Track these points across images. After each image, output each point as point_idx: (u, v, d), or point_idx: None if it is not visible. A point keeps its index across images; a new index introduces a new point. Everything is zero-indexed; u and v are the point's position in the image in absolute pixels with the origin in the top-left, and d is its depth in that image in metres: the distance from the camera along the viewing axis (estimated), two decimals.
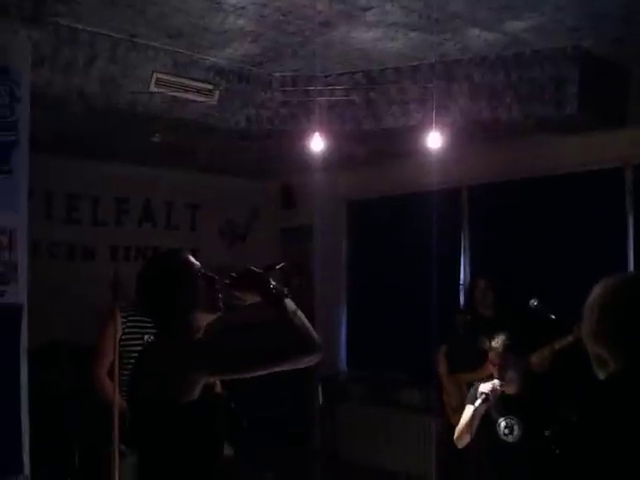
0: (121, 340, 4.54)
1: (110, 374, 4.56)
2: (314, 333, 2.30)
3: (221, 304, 2.51)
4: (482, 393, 4.08)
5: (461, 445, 4.20)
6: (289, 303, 2.36)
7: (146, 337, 4.64)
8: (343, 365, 7.88)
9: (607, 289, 1.97)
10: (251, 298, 2.46)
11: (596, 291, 1.99)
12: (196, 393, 2.25)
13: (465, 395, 5.34)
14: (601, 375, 1.96)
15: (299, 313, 2.35)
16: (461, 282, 7.02)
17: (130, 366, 4.47)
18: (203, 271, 2.51)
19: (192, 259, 2.54)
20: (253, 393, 4.29)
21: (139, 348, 4.60)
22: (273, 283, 2.41)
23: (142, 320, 4.62)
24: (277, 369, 2.30)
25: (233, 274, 2.46)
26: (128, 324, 4.60)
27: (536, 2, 4.32)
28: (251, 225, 8.49)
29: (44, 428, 4.37)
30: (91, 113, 5.25)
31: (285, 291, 2.40)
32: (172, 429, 2.25)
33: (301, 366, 2.31)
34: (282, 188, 8.32)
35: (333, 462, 7.05)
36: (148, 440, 2.33)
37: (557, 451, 1.91)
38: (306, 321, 2.33)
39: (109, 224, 7.49)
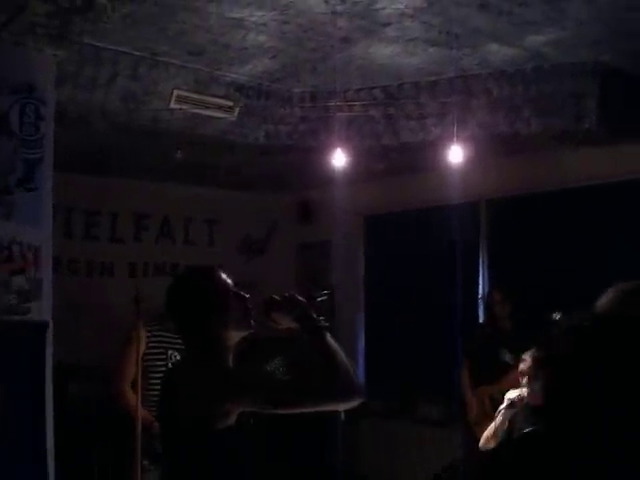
0: (144, 355, 4.56)
1: (133, 388, 4.58)
2: (356, 376, 2.29)
3: (252, 323, 2.51)
4: (508, 399, 4.14)
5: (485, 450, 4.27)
6: (329, 339, 2.34)
7: (170, 352, 4.67)
8: (362, 380, 7.86)
9: (617, 298, 1.94)
10: (288, 323, 2.45)
11: (607, 299, 1.96)
12: (233, 419, 2.24)
13: (487, 408, 5.36)
14: None
15: (340, 350, 2.33)
16: (480, 296, 7.00)
17: (154, 381, 4.54)
18: (235, 289, 2.51)
19: (224, 277, 2.54)
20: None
21: (163, 363, 4.65)
22: (314, 314, 2.40)
23: (166, 336, 4.65)
24: (317, 410, 2.29)
25: (275, 297, 2.45)
26: (152, 339, 4.63)
27: (557, 17, 4.33)
28: (269, 240, 8.50)
29: (65, 444, 4.38)
30: (112, 130, 5.30)
31: (325, 324, 2.39)
32: (206, 453, 2.24)
33: (340, 409, 2.29)
34: (299, 203, 8.34)
35: (353, 476, 7.04)
36: (180, 461, 2.33)
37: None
38: (347, 360, 2.31)
39: (127, 241, 7.52)
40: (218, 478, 2.27)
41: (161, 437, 2.45)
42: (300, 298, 2.45)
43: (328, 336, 2.35)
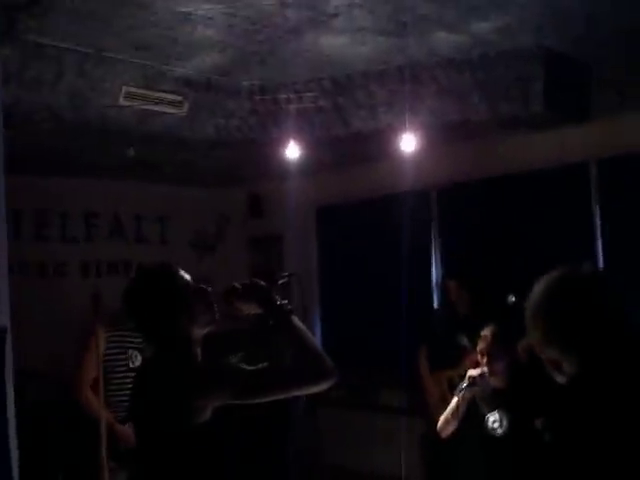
0: (104, 355, 4.52)
1: (93, 389, 4.53)
2: (327, 357, 2.28)
3: (216, 316, 2.50)
4: (470, 377, 4.12)
5: (445, 434, 4.23)
6: (296, 321, 2.34)
7: (130, 352, 4.63)
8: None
9: (547, 293, 1.96)
10: (252, 309, 2.44)
11: (536, 295, 1.98)
12: (208, 414, 2.24)
13: (445, 392, 5.41)
14: (558, 378, 1.95)
15: (308, 332, 2.33)
16: (433, 282, 7.08)
17: (116, 381, 4.50)
18: (196, 284, 2.50)
19: (183, 273, 2.52)
20: None
21: (123, 363, 4.61)
22: (278, 298, 2.39)
23: (125, 335, 4.61)
24: (292, 394, 2.29)
25: (236, 285, 2.45)
26: (111, 339, 4.58)
27: (501, 3, 4.39)
28: (221, 236, 8.47)
29: (27, 449, 4.31)
30: (60, 129, 5.21)
31: (289, 307, 2.38)
32: (184, 449, 2.24)
33: (314, 391, 2.29)
34: (250, 197, 8.32)
35: (316, 466, 7.06)
36: (157, 458, 2.31)
37: (547, 440, 1.92)
38: (316, 342, 2.31)
39: (79, 240, 7.42)
40: (196, 474, 2.27)
41: (136, 436, 2.42)
42: (261, 283, 2.45)
43: (295, 318, 2.35)
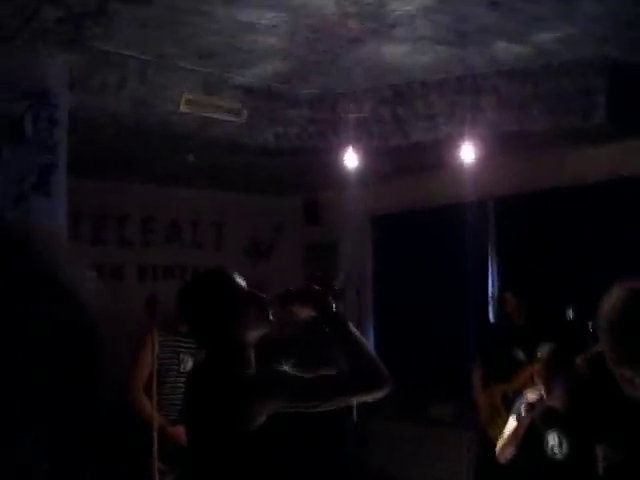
0: (157, 358, 4.57)
1: (146, 391, 4.58)
2: (382, 365, 2.26)
3: (270, 321, 2.50)
4: (528, 403, 4.02)
5: (504, 459, 4.13)
6: (352, 327, 2.32)
7: (182, 356, 4.68)
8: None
9: (621, 307, 1.89)
10: (306, 313, 2.44)
11: (610, 310, 1.91)
12: (262, 419, 2.23)
13: (499, 407, 5.34)
14: (630, 392, 1.89)
15: (364, 340, 2.31)
16: (490, 295, 7.00)
17: (168, 385, 4.54)
18: (250, 289, 2.50)
19: (238, 278, 2.52)
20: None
21: (175, 367, 4.66)
22: (333, 303, 2.38)
23: (178, 339, 4.66)
24: (347, 402, 2.27)
25: (291, 289, 2.45)
26: (165, 343, 4.63)
27: (565, 12, 4.33)
28: (276, 242, 8.50)
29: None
30: (122, 134, 5.30)
31: (341, 311, 2.37)
32: (238, 454, 2.23)
33: (369, 399, 2.27)
34: (306, 205, 8.34)
35: (366, 476, 7.03)
36: (210, 462, 2.32)
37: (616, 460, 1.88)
38: (372, 350, 2.29)
39: (135, 244, 7.52)
40: (249, 478, 2.27)
41: (188, 439, 2.43)
42: (316, 287, 2.44)
43: (350, 325, 2.33)
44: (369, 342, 7.79)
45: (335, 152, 5.79)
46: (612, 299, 1.90)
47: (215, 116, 5.30)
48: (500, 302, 6.08)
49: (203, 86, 5.15)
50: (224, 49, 4.71)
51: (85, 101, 4.82)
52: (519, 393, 4.38)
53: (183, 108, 5.12)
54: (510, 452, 4.08)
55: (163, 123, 5.20)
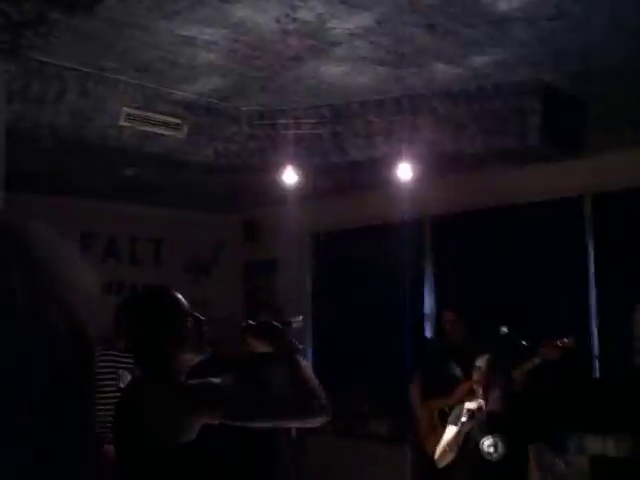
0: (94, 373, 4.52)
1: None
2: (323, 395, 2.29)
3: (207, 346, 2.47)
4: (468, 410, 4.12)
5: (442, 464, 4.24)
6: (301, 359, 2.37)
7: (120, 371, 4.63)
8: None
9: None
10: (263, 348, 2.46)
11: None
12: (194, 434, 2.21)
13: (436, 421, 5.41)
14: None
15: (310, 372, 2.34)
16: (426, 312, 7.09)
17: (104, 401, 4.47)
18: (192, 312, 2.47)
19: (180, 297, 2.49)
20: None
21: (113, 382, 4.60)
22: (290, 339, 2.43)
23: (115, 354, 4.61)
24: (283, 425, 2.29)
25: (251, 322, 2.46)
26: (102, 358, 4.59)
27: (500, 38, 4.46)
28: (215, 260, 8.48)
29: None
30: (60, 147, 5.25)
31: (299, 347, 2.42)
32: (170, 468, 2.20)
33: (306, 426, 2.29)
34: (246, 222, 8.34)
35: None
36: (142, 478, 2.28)
37: None
38: (315, 380, 2.32)
39: None
40: None
41: (118, 457, 2.37)
42: (276, 324, 2.47)
43: (299, 356, 2.37)
44: (307, 356, 7.81)
45: (274, 169, 5.83)
46: None
47: (155, 130, 5.29)
48: (437, 319, 6.16)
49: (143, 100, 5.13)
50: (164, 64, 4.72)
51: (23, 112, 4.77)
52: (455, 408, 4.46)
53: (123, 122, 5.10)
54: (450, 458, 4.18)
55: (102, 137, 5.16)
